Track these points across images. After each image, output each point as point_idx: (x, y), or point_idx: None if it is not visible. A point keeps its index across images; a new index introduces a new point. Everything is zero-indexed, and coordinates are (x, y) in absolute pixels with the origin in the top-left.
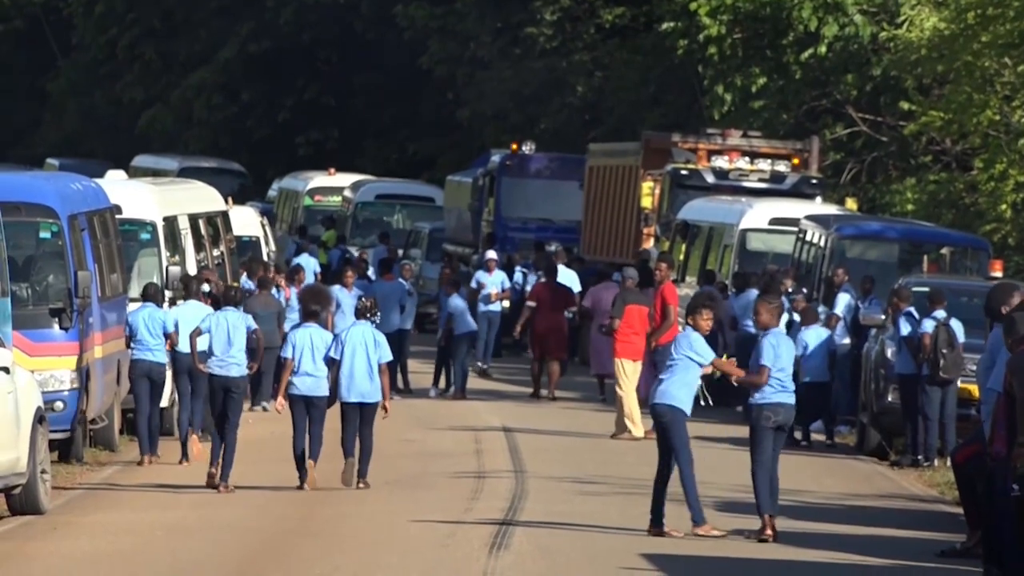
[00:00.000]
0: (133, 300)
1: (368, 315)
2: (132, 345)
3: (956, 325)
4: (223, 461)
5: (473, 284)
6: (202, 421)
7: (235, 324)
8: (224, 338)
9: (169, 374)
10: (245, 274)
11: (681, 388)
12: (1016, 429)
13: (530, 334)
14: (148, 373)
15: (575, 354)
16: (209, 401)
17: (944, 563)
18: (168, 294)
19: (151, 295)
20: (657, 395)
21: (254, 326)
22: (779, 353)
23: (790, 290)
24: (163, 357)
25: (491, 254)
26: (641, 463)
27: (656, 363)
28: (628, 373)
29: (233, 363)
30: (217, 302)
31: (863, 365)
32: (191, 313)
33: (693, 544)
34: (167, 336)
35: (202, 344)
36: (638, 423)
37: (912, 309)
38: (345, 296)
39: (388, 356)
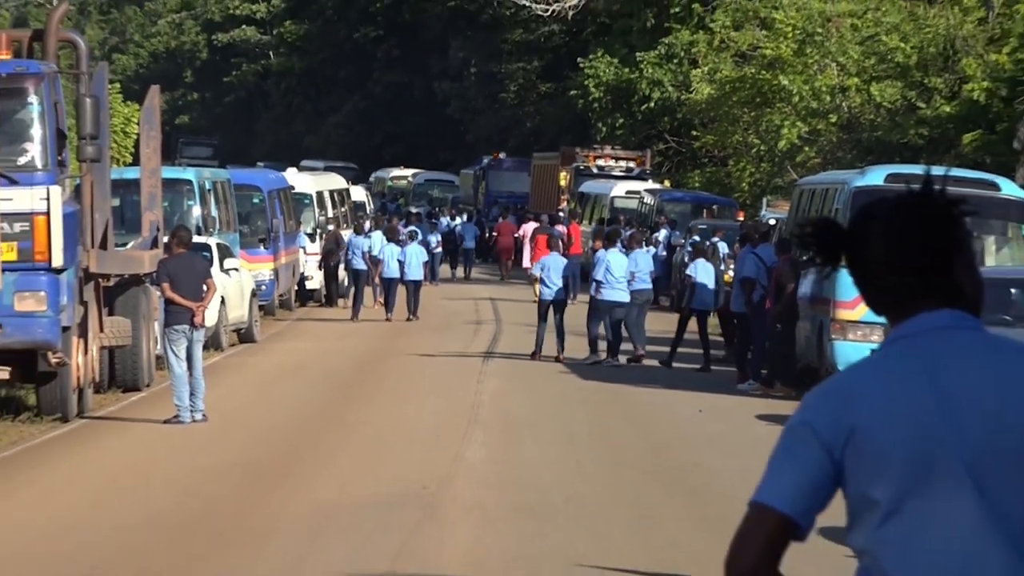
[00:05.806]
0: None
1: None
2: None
3: (721, 245)
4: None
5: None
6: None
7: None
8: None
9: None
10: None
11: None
12: (777, 299)
13: (495, 250)
14: (357, 270)
15: (520, 262)
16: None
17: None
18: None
19: (361, 230)
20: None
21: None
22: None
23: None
24: (362, 265)
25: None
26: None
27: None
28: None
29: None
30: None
31: (673, 268)
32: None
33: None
34: (367, 254)
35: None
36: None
37: (697, 237)
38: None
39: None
